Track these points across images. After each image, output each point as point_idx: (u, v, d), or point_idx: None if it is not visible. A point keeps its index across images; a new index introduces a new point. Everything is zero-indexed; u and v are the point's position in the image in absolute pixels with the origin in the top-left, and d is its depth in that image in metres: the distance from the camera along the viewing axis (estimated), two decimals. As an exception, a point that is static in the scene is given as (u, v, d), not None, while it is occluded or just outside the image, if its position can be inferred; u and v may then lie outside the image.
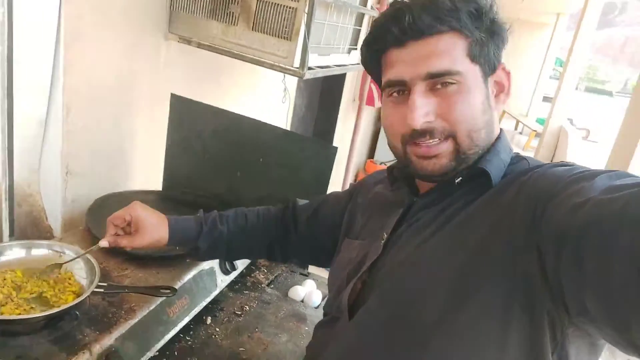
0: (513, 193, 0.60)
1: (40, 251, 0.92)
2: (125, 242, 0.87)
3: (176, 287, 0.96)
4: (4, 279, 0.83)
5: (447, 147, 0.63)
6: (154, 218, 0.89)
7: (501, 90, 0.68)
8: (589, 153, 7.12)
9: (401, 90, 0.65)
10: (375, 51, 0.68)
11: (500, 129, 0.70)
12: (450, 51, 0.61)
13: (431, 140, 0.63)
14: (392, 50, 0.65)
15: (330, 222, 0.92)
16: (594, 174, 0.53)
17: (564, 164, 0.61)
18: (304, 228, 0.96)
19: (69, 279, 0.88)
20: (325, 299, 1.24)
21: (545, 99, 10.34)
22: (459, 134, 0.63)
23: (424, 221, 0.67)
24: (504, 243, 0.57)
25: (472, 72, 0.63)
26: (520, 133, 9.51)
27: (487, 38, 0.63)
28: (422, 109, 0.62)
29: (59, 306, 0.78)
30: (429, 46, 0.62)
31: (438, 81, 0.62)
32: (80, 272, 0.89)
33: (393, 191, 0.80)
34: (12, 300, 0.79)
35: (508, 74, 0.68)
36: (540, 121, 8.54)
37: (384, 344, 0.63)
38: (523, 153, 0.71)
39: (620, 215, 0.43)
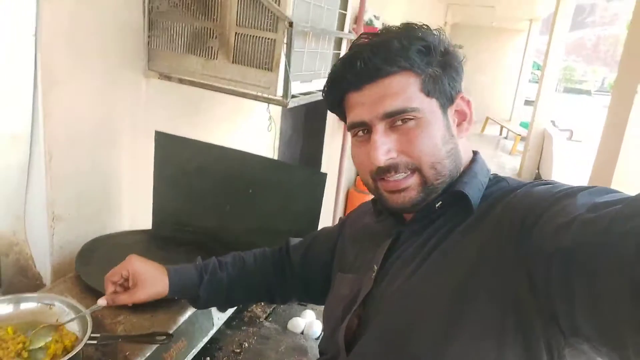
0: (497, 216, 0.61)
1: (30, 305, 0.89)
2: (124, 298, 0.85)
3: (171, 331, 0.94)
4: None
5: (414, 180, 0.66)
6: (153, 270, 0.88)
7: (463, 118, 0.70)
8: (574, 153, 7.21)
9: (364, 129, 0.68)
10: (335, 96, 0.71)
11: (475, 152, 0.73)
12: (403, 90, 0.64)
13: (397, 175, 0.66)
14: (351, 94, 0.68)
15: (323, 259, 0.91)
16: (575, 191, 0.54)
17: (544, 183, 0.62)
18: (298, 268, 0.95)
19: (61, 330, 0.85)
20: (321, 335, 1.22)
21: (527, 102, 10.51)
22: (422, 166, 0.65)
23: (412, 250, 0.68)
24: (493, 267, 0.57)
25: (428, 106, 0.65)
26: (506, 138, 9.63)
27: (440, 72, 0.65)
28: (383, 147, 0.65)
29: (51, 363, 0.75)
30: (382, 87, 0.65)
31: (396, 119, 0.65)
32: (72, 324, 0.86)
33: (379, 222, 0.80)
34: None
35: (468, 102, 0.70)
36: (524, 125, 8.66)
37: None
38: (510, 157, 0.72)
39: (606, 234, 0.44)
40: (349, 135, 2.90)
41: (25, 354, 0.79)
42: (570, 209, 0.50)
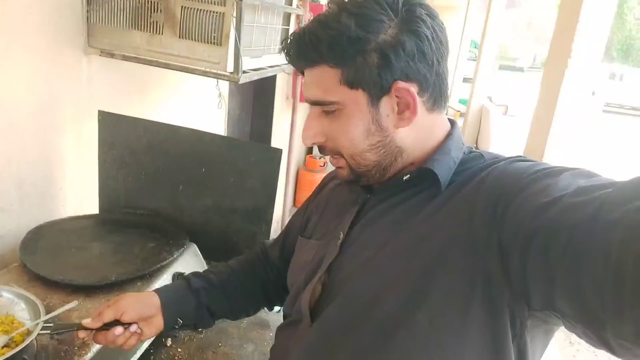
0: (472, 190, 0.60)
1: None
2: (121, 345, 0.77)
3: (131, 314, 0.92)
4: None
5: (343, 162, 0.69)
6: (141, 300, 0.79)
7: (406, 107, 0.64)
8: (509, 127, 7.59)
9: None
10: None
11: (453, 127, 0.71)
12: (321, 82, 0.64)
13: (329, 156, 0.70)
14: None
15: None
16: (557, 172, 0.54)
17: (523, 159, 0.62)
18: (280, 262, 0.92)
19: (12, 322, 0.81)
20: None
21: (465, 80, 10.89)
22: (344, 154, 0.68)
23: (382, 221, 0.68)
24: (464, 242, 0.57)
25: (351, 98, 0.63)
26: (446, 114, 9.96)
27: (368, 61, 0.61)
28: (311, 130, 0.68)
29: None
30: (308, 76, 0.66)
31: (321, 107, 0.66)
32: (23, 313, 0.82)
33: (346, 186, 0.79)
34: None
35: (408, 91, 0.62)
36: (463, 102, 9.00)
37: (347, 345, 0.63)
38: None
39: (593, 219, 0.43)
40: (298, 113, 2.89)
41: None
42: (552, 189, 0.50)
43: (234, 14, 1.19)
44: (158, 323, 0.79)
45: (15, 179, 1.15)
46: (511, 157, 0.64)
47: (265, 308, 0.97)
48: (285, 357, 0.71)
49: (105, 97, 1.39)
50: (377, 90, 0.62)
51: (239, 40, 1.21)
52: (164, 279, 1.06)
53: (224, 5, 1.19)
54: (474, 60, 8.02)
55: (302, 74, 0.69)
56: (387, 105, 0.64)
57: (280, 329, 0.80)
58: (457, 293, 0.57)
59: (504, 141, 6.41)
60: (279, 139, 3.28)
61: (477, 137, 7.23)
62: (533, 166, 0.58)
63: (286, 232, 0.94)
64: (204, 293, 0.85)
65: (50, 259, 1.06)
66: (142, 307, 0.78)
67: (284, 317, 0.82)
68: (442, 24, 0.66)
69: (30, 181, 1.20)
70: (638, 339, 0.41)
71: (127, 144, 1.29)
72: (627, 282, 0.39)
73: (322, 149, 0.70)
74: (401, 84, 0.62)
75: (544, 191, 0.51)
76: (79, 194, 1.38)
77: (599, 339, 0.46)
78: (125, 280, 1.00)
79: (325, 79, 0.63)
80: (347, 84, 0.62)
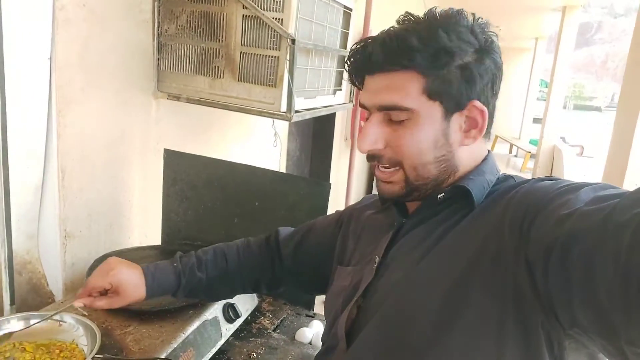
0: (500, 210, 0.61)
1: (39, 322, 0.89)
2: (102, 304, 0.84)
3: (180, 341, 0.95)
4: (9, 355, 0.81)
5: (398, 176, 0.67)
6: (132, 279, 0.86)
7: (473, 126, 0.67)
8: (584, 168, 7.15)
9: (369, 112, 0.70)
10: (356, 76, 0.72)
11: (488, 151, 0.72)
12: (402, 88, 0.64)
13: (382, 167, 0.68)
14: (367, 77, 0.69)
15: (319, 252, 0.91)
16: (578, 187, 0.54)
17: (549, 179, 0.62)
18: (290, 260, 0.95)
19: (73, 349, 0.86)
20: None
21: (535, 120, 10.51)
22: (405, 165, 0.66)
23: (414, 242, 0.68)
24: (494, 260, 0.57)
25: (427, 108, 0.64)
26: (516, 156, 9.60)
27: (453, 76, 0.63)
28: (371, 137, 0.66)
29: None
30: (384, 80, 0.65)
31: (390, 114, 0.66)
32: (82, 339, 0.87)
33: (382, 213, 0.81)
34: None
35: (482, 112, 0.65)
36: (534, 142, 8.64)
37: None
38: (521, 175, 0.72)
39: (604, 224, 0.44)
40: (355, 152, 2.92)
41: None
42: (571, 203, 0.51)
43: (288, 58, 1.26)
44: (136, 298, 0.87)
45: (86, 207, 1.26)
46: (537, 178, 0.64)
47: None
48: None
49: (171, 136, 1.51)
50: (452, 105, 0.65)
51: (292, 82, 1.28)
52: (215, 308, 1.09)
53: (279, 50, 1.26)
54: (544, 99, 7.76)
55: (358, 83, 0.71)
56: (456, 121, 0.66)
57: (317, 357, 0.81)
58: (489, 313, 0.56)
59: (579, 183, 6.03)
60: (337, 178, 3.33)
61: (550, 179, 6.87)
62: (557, 183, 0.58)
63: (307, 231, 0.96)
64: (185, 289, 0.90)
65: (113, 285, 1.13)
66: (131, 292, 0.85)
67: (322, 344, 0.82)
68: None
69: (99, 211, 1.30)
70: None
71: (188, 179, 1.38)
72: (634, 284, 0.39)
73: (376, 158, 0.68)
74: (477, 104, 0.65)
75: (564, 205, 0.51)
76: (144, 226, 1.48)
77: (617, 351, 0.44)
78: (177, 308, 1.04)
79: (407, 85, 0.64)
80: (427, 93, 0.64)
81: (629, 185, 2.62)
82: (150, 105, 1.42)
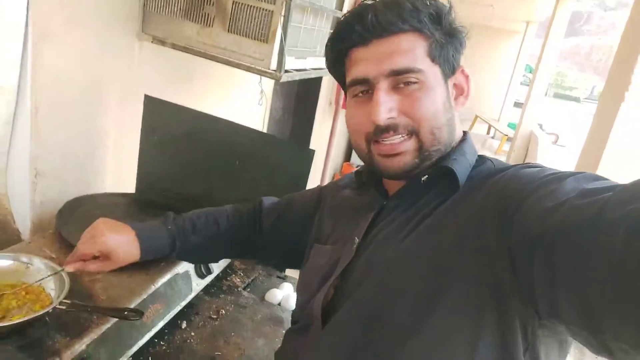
0: (482, 196, 0.60)
1: (6, 262, 0.87)
2: (94, 268, 0.83)
3: (150, 292, 0.95)
4: None
5: (411, 144, 0.65)
6: (124, 242, 0.84)
7: (460, 92, 0.70)
8: (558, 157, 7.32)
9: (365, 90, 0.67)
10: (339, 51, 0.69)
11: (465, 132, 0.72)
12: (412, 50, 0.64)
13: (395, 137, 0.65)
14: (356, 49, 0.67)
15: (297, 227, 0.91)
16: (564, 176, 0.54)
17: (532, 166, 0.61)
18: (268, 233, 0.95)
19: (40, 293, 0.84)
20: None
21: (516, 104, 10.63)
22: (422, 130, 0.65)
23: (395, 225, 0.68)
24: (474, 246, 0.57)
25: (432, 71, 0.65)
26: (492, 137, 9.73)
27: (446, 40, 0.66)
28: (386, 105, 0.63)
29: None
30: (392, 44, 0.64)
31: (400, 79, 0.64)
32: (49, 282, 0.85)
33: (360, 195, 0.80)
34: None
35: (467, 77, 0.70)
36: (512, 126, 8.76)
37: (358, 349, 0.63)
38: (495, 157, 0.72)
39: (596, 220, 0.43)
40: (339, 119, 2.91)
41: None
42: (557, 193, 0.50)
43: (283, 13, 1.21)
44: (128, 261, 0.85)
45: (59, 147, 1.21)
46: (520, 164, 0.64)
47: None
48: None
49: (152, 82, 1.45)
50: (448, 69, 0.67)
51: (285, 39, 1.23)
52: (187, 263, 1.08)
53: (274, 4, 1.21)
54: (527, 85, 7.82)
55: (337, 63, 0.70)
56: (450, 86, 0.68)
57: (288, 333, 0.81)
58: (469, 298, 0.56)
59: (551, 170, 6.19)
60: (318, 143, 3.31)
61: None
62: (539, 172, 0.57)
63: (286, 205, 0.96)
64: (180, 252, 0.90)
65: (83, 229, 1.10)
66: (123, 256, 0.83)
67: (293, 322, 0.82)
68: None
69: (73, 152, 1.26)
70: (639, 342, 0.40)
71: (168, 130, 1.33)
72: (628, 282, 0.39)
73: (391, 128, 0.65)
74: (464, 70, 0.68)
75: (550, 195, 0.50)
76: (118, 172, 1.44)
77: (601, 345, 0.45)
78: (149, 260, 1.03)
79: (415, 48, 0.64)
80: (431, 57, 0.65)
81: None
82: (133, 47, 1.35)
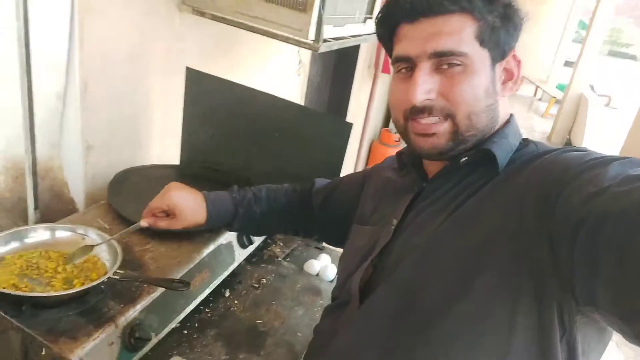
0: (524, 179, 0.60)
1: (64, 234, 0.94)
2: (164, 225, 0.90)
3: (196, 262, 0.99)
4: (36, 262, 0.86)
5: (445, 127, 0.65)
6: (192, 202, 0.91)
7: (510, 78, 0.68)
8: (610, 120, 6.94)
9: (408, 67, 0.66)
10: (388, 25, 0.68)
11: (511, 115, 0.71)
12: (459, 32, 0.62)
13: (430, 118, 0.65)
14: (404, 26, 0.66)
15: (342, 208, 0.94)
16: (607, 161, 0.53)
17: (575, 149, 0.60)
18: (317, 211, 0.99)
19: (96, 262, 0.90)
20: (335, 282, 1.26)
21: (567, 63, 10.03)
22: (458, 114, 0.64)
23: (434, 207, 0.68)
24: (515, 230, 0.57)
25: (479, 55, 0.63)
26: (540, 99, 9.30)
27: (499, 23, 0.63)
28: (424, 86, 0.63)
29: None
30: (438, 25, 0.62)
31: (444, 61, 0.63)
32: (104, 254, 0.91)
33: (402, 177, 0.81)
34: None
35: (519, 62, 0.68)
36: (561, 87, 8.31)
37: (392, 329, 0.64)
38: (542, 120, 0.71)
39: (638, 208, 0.43)
40: (378, 84, 2.86)
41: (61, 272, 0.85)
42: (601, 178, 0.49)
43: (322, -19, 1.18)
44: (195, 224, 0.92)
45: (107, 120, 1.25)
46: (563, 148, 0.62)
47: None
48: (331, 340, 0.73)
49: (193, 53, 1.46)
50: (498, 54, 0.65)
51: (323, 8, 1.21)
52: (229, 233, 1.12)
53: (313, -29, 1.18)
54: (580, 42, 7.34)
55: (388, 35, 0.69)
56: (499, 70, 0.66)
57: (327, 310, 0.83)
58: (505, 283, 0.56)
59: (601, 135, 5.89)
60: (356, 109, 3.27)
61: (572, 128, 6.69)
62: (583, 156, 0.56)
63: (334, 186, 1.00)
64: (242, 219, 0.96)
65: (133, 201, 1.15)
66: (188, 214, 0.90)
67: (332, 299, 0.84)
68: None
69: (119, 125, 1.30)
70: None
71: (209, 102, 1.35)
72: None
73: (427, 110, 0.65)
74: (516, 55, 0.66)
75: (593, 181, 0.50)
76: (162, 143, 1.48)
77: (635, 333, 0.45)
78: (194, 230, 1.07)
79: (462, 30, 0.62)
80: (479, 40, 0.63)
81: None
82: (174, 18, 1.36)
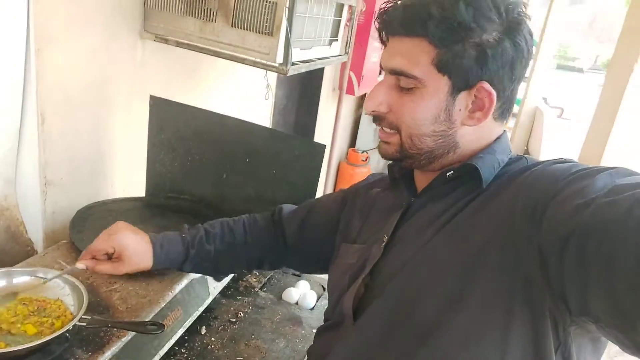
0: (512, 192, 0.60)
1: (23, 278, 0.86)
2: (105, 269, 0.83)
3: (168, 300, 0.94)
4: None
5: (395, 139, 0.68)
6: (138, 246, 0.85)
7: (479, 108, 0.64)
8: (564, 130, 7.24)
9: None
10: (379, 32, 0.70)
11: (504, 131, 0.71)
12: (412, 55, 0.63)
13: (385, 128, 0.69)
14: (390, 36, 0.68)
15: (323, 231, 0.90)
16: (594, 172, 0.53)
17: (563, 161, 0.61)
18: (293, 239, 0.94)
19: (59, 307, 0.83)
20: (319, 299, 1.23)
21: (520, 78, 10.43)
22: (402, 132, 0.67)
23: (423, 222, 0.68)
24: (504, 243, 0.57)
25: (434, 81, 0.63)
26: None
27: (468, 53, 0.61)
28: (378, 98, 0.67)
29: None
30: (399, 45, 0.65)
31: (400, 79, 0.65)
32: (68, 298, 0.84)
33: (392, 191, 0.80)
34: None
35: (490, 93, 0.63)
36: (517, 102, 8.63)
37: (387, 344, 0.64)
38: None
39: (626, 219, 0.43)
40: (343, 105, 2.86)
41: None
42: (589, 190, 0.49)
43: (287, 5, 1.17)
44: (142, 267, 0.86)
45: (67, 154, 1.19)
46: (551, 160, 0.63)
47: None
48: (326, 356, 0.72)
49: (157, 81, 1.42)
50: (461, 83, 0.63)
51: (290, 31, 1.20)
52: (203, 267, 1.07)
53: (278, -5, 1.17)
54: (532, 59, 7.65)
55: (384, 41, 0.69)
56: (462, 100, 0.64)
57: (321, 330, 0.81)
58: (497, 297, 0.56)
59: (557, 145, 6.12)
60: (323, 130, 3.27)
61: (529, 140, 6.93)
62: (571, 167, 0.56)
63: (309, 209, 0.95)
64: (193, 261, 0.90)
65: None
66: (135, 258, 0.84)
67: (325, 320, 0.82)
68: (532, 47, 0.65)
69: (81, 158, 1.24)
70: None
71: (176, 130, 1.31)
72: None
73: (378, 120, 0.69)
74: (486, 86, 0.62)
75: (580, 192, 0.50)
76: (127, 175, 1.42)
77: (632, 343, 0.45)
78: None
79: (417, 53, 0.63)
80: (437, 66, 0.62)
81: (611, 152, 2.65)
82: (136, 46, 1.32)
